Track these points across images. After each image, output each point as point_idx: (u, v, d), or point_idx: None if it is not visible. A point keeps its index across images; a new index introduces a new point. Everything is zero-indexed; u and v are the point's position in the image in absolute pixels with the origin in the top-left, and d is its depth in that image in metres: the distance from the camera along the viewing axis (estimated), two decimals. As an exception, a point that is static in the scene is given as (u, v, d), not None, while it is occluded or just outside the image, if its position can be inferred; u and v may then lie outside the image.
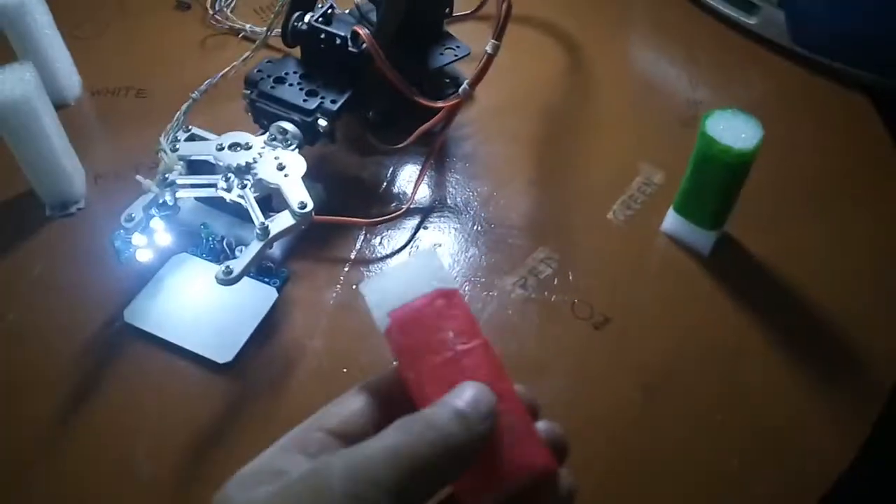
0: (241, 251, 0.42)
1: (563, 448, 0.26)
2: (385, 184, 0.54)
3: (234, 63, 0.54)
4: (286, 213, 0.43)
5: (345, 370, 0.44)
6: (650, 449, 0.42)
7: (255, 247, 0.42)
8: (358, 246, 0.50)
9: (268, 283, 0.47)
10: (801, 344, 0.46)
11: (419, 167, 0.53)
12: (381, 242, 0.51)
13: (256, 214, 0.43)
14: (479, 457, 0.23)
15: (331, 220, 0.48)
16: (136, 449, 0.41)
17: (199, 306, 0.46)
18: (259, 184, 0.45)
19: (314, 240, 0.49)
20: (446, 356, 0.24)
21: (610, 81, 0.62)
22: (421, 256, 0.26)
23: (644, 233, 0.52)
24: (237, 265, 0.41)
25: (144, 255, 0.45)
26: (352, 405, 0.25)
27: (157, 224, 0.45)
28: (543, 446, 0.25)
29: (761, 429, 0.43)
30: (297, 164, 0.45)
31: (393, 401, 0.26)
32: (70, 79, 0.58)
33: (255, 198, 0.44)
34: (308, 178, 0.45)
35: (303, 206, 0.43)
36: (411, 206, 0.52)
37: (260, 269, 0.47)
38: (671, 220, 0.51)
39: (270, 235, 0.42)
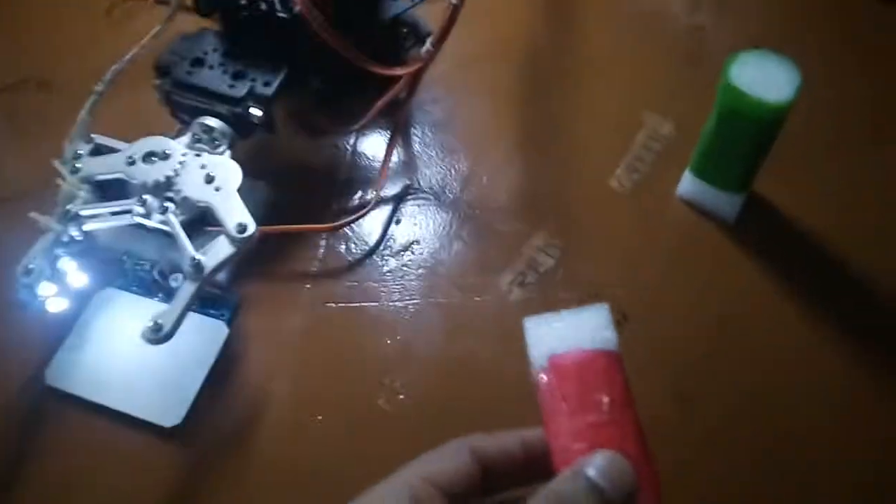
0: (176, 281, 0.34)
1: None
2: (344, 172, 0.45)
3: (143, 41, 0.44)
4: (222, 239, 0.35)
5: (319, 418, 0.37)
6: (694, 479, 0.35)
7: (188, 290, 0.33)
8: (320, 255, 0.42)
9: (215, 316, 0.39)
10: (855, 324, 0.39)
11: (384, 147, 0.44)
12: (347, 248, 0.42)
13: (184, 245, 0.34)
14: None
15: (283, 230, 0.40)
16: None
17: (134, 356, 0.38)
18: (185, 203, 0.36)
19: (266, 253, 0.41)
20: (598, 419, 0.24)
21: (598, 17, 0.52)
22: (594, 310, 0.26)
23: (656, 201, 0.44)
24: (167, 318, 0.33)
25: (57, 306, 0.36)
26: (459, 464, 0.24)
27: (68, 265, 0.36)
28: None
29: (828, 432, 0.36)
30: (229, 172, 0.36)
31: (497, 469, 0.25)
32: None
33: (182, 220, 0.35)
34: (248, 176, 0.37)
35: (242, 228, 0.35)
36: (379, 198, 0.43)
37: (203, 300, 0.39)
38: (688, 184, 0.43)
39: (205, 272, 0.34)
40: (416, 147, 0.46)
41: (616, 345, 0.25)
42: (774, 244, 0.42)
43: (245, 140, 0.40)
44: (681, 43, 0.50)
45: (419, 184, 0.45)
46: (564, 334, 0.25)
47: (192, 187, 0.36)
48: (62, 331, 0.38)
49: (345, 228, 0.42)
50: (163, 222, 0.35)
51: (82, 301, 0.39)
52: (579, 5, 0.53)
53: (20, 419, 0.37)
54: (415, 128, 0.47)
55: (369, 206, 0.42)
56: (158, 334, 0.32)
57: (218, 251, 0.34)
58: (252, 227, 0.35)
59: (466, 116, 0.47)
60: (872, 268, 0.41)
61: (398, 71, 0.41)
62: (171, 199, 0.36)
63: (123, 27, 0.52)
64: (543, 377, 0.25)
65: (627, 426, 0.24)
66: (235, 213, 0.35)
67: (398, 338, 0.39)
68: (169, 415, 0.36)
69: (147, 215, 0.36)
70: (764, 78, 0.36)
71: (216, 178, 0.36)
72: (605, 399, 0.24)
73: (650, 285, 0.41)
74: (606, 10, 0.53)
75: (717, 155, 0.40)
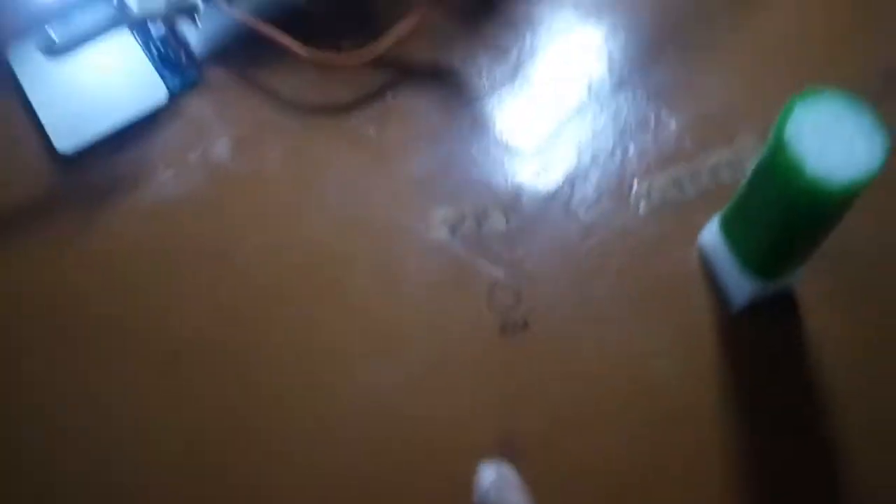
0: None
1: None
2: (371, 8, 0.39)
3: None
4: (164, -6, 0.32)
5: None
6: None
7: (98, 18, 0.31)
8: (292, 84, 0.37)
9: (163, 77, 0.37)
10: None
11: None
12: (321, 90, 0.37)
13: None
14: None
15: (260, 30, 0.36)
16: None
17: (85, 74, 0.37)
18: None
19: (253, 50, 0.37)
20: None
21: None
22: None
23: (670, 238, 0.34)
24: (62, 34, 0.31)
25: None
26: None
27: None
28: None
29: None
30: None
31: None
32: None
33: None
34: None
35: (182, -6, 0.31)
36: (383, 54, 0.37)
37: (164, 58, 0.37)
38: (711, 235, 0.32)
39: (123, 11, 0.31)
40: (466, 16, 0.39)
41: None
42: (769, 376, 0.31)
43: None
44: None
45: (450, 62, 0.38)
46: None
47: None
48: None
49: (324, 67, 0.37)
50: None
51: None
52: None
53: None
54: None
55: (360, 58, 0.36)
56: (48, 44, 0.31)
57: (152, 1, 0.32)
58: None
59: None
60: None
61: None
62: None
63: None
64: None
65: None
66: (188, -23, 0.32)
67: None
68: (65, 138, 0.36)
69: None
70: (831, 140, 0.24)
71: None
72: None
73: (598, 317, 0.32)
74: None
75: (745, 213, 0.29)
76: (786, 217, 0.26)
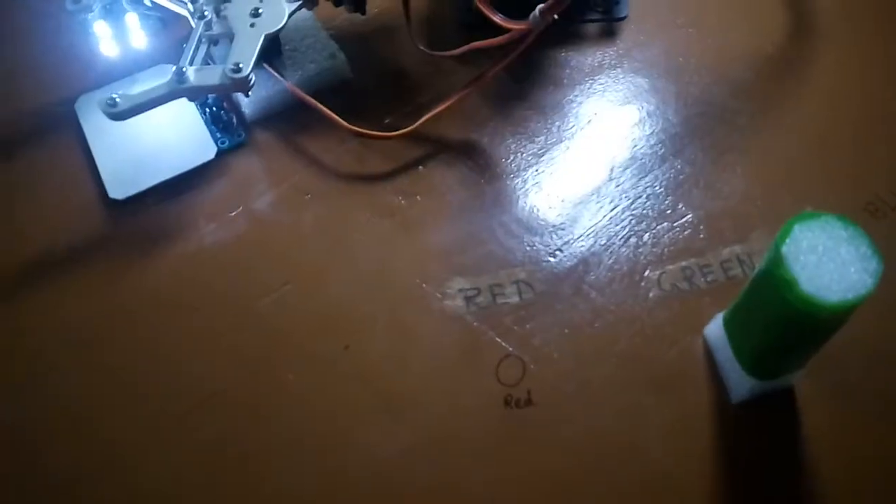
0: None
1: None
2: (415, 88, 0.42)
3: None
4: (219, 68, 0.35)
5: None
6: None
7: (160, 88, 0.34)
8: (332, 150, 0.40)
9: (213, 137, 0.40)
10: None
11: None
12: (358, 159, 0.40)
13: (186, 55, 0.35)
14: None
15: (306, 102, 0.39)
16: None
17: (142, 127, 0.40)
18: (221, 21, 0.36)
19: (300, 117, 0.40)
20: None
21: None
22: None
23: (678, 330, 0.35)
24: (126, 100, 0.34)
25: (109, 49, 0.40)
26: None
27: (132, 20, 0.39)
28: None
29: None
30: (274, 15, 0.36)
31: None
32: None
33: (207, 35, 0.36)
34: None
35: (236, 69, 0.34)
36: (419, 130, 0.39)
37: (216, 118, 0.40)
38: (715, 328, 0.34)
39: (183, 85, 0.34)
40: (502, 111, 0.41)
41: None
42: (764, 468, 0.32)
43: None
44: None
45: (478, 145, 0.40)
46: None
47: (236, 11, 0.36)
48: (115, 76, 0.41)
49: (366, 139, 0.40)
50: (204, 23, 0.36)
51: (149, 61, 0.41)
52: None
53: (36, 124, 0.41)
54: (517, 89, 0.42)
55: (395, 133, 0.39)
56: (111, 109, 0.34)
57: (207, 75, 0.35)
58: (246, 72, 0.34)
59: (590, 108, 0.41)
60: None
61: (509, 23, 0.36)
62: (217, 12, 0.36)
63: None
64: None
65: None
66: (244, 53, 0.35)
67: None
68: (119, 187, 0.38)
69: (193, 14, 0.37)
70: (826, 261, 0.26)
71: (260, 16, 0.36)
72: None
73: (598, 401, 0.33)
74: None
75: (744, 316, 0.31)
76: (778, 327, 0.28)
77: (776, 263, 0.26)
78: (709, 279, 0.36)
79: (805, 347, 0.29)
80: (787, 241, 0.26)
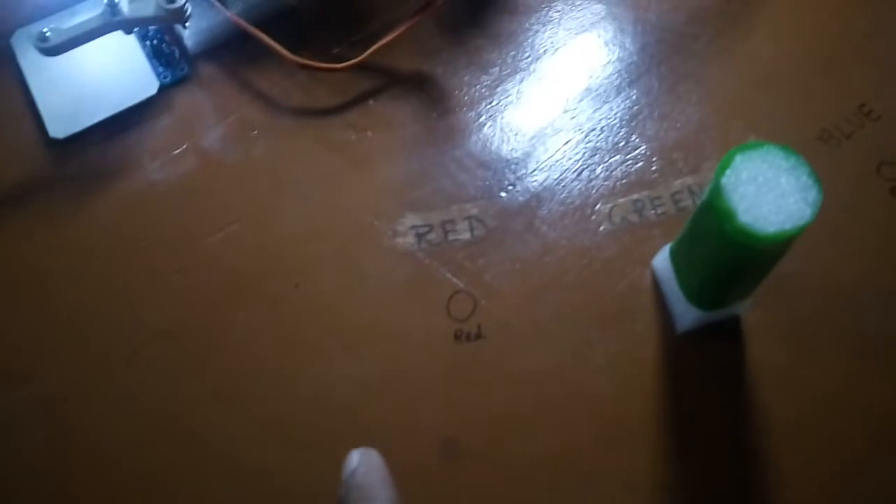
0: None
1: None
2: (364, 15, 0.40)
3: None
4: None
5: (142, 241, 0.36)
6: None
7: (92, 22, 0.33)
8: (279, 83, 0.39)
9: (155, 71, 0.38)
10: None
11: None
12: (306, 92, 0.39)
13: (119, -16, 0.33)
14: None
15: (250, 33, 0.37)
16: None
17: (81, 63, 0.39)
18: (155, -52, 0.34)
19: (246, 49, 0.39)
20: None
21: None
22: None
23: (629, 255, 0.35)
24: (57, 34, 0.33)
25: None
26: None
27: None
28: None
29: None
30: (209, -56, 0.34)
31: None
32: None
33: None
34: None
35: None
36: (368, 61, 0.38)
37: (157, 52, 0.39)
38: (662, 260, 0.34)
39: (118, 18, 0.33)
40: (455, 28, 0.40)
41: None
42: (707, 399, 0.33)
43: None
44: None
45: (433, 74, 0.39)
46: None
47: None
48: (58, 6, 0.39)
49: (310, 70, 0.39)
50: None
51: None
52: None
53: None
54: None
55: (345, 64, 0.38)
56: (42, 44, 0.32)
57: (141, 6, 0.33)
58: (181, 2, 0.33)
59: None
60: None
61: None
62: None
63: None
64: None
65: None
66: (179, -17, 0.33)
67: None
68: (59, 125, 0.37)
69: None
70: (766, 189, 0.26)
71: (195, -58, 0.34)
72: None
73: (547, 331, 0.34)
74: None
75: (687, 247, 0.31)
76: (718, 258, 0.28)
77: (716, 194, 0.26)
78: (659, 211, 0.36)
79: (746, 278, 0.29)
80: (728, 171, 0.26)
